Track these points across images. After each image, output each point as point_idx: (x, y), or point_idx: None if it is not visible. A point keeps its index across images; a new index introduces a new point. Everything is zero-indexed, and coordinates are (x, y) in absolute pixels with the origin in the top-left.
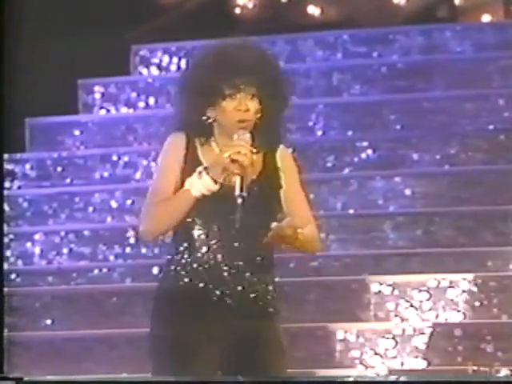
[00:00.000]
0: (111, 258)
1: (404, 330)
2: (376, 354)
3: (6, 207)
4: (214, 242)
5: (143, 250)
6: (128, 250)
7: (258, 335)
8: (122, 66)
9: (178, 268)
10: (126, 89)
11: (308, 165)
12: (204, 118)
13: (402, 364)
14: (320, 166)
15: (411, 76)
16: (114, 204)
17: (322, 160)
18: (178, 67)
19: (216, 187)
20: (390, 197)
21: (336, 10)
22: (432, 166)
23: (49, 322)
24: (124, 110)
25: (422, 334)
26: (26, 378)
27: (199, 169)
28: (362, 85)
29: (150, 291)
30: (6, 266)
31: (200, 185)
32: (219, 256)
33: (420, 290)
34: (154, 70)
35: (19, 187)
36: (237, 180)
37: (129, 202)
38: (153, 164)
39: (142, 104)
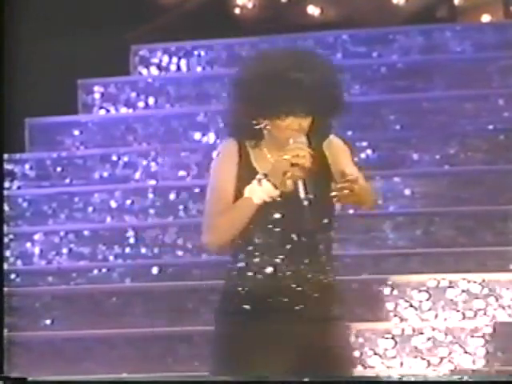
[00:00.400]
0: (111, 258)
1: (403, 330)
2: (376, 354)
3: (6, 207)
4: (276, 247)
5: (143, 250)
6: (127, 250)
7: (324, 337)
8: (122, 66)
9: (241, 274)
10: (126, 89)
11: None
12: (255, 122)
13: (402, 364)
14: None
15: (411, 76)
16: (113, 204)
17: None
18: (178, 67)
19: (277, 193)
20: (390, 197)
21: (336, 10)
22: (432, 166)
23: (48, 322)
24: (124, 110)
25: (421, 333)
26: (29, 379)
27: (259, 176)
28: (362, 85)
29: (150, 291)
30: (5, 266)
31: (261, 192)
32: (283, 261)
33: (420, 290)
34: (154, 70)
35: (19, 187)
36: (299, 183)
37: (128, 202)
38: (153, 164)
39: (141, 104)
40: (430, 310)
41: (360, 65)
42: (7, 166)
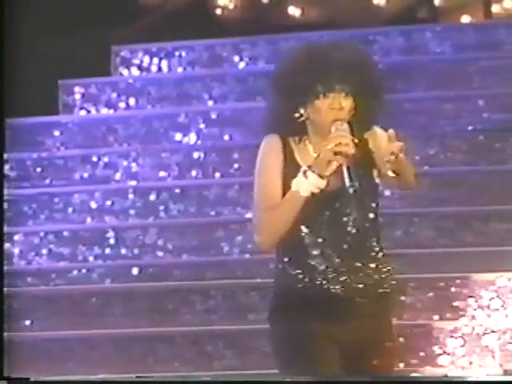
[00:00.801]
0: (91, 258)
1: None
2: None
3: None
4: (325, 242)
5: (123, 251)
6: (108, 250)
7: (376, 333)
8: (103, 66)
9: (292, 271)
10: (107, 89)
11: None
12: (297, 115)
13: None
14: None
15: (391, 77)
16: (93, 205)
17: None
18: (159, 68)
19: (323, 183)
20: None
21: (316, 10)
22: (412, 166)
23: (28, 322)
24: (104, 110)
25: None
26: (32, 379)
27: (303, 168)
28: None
29: (130, 292)
30: None
31: (307, 184)
32: (333, 254)
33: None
34: (135, 71)
35: None
36: (344, 170)
37: (108, 202)
38: (133, 165)
39: (122, 105)
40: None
41: None
42: None
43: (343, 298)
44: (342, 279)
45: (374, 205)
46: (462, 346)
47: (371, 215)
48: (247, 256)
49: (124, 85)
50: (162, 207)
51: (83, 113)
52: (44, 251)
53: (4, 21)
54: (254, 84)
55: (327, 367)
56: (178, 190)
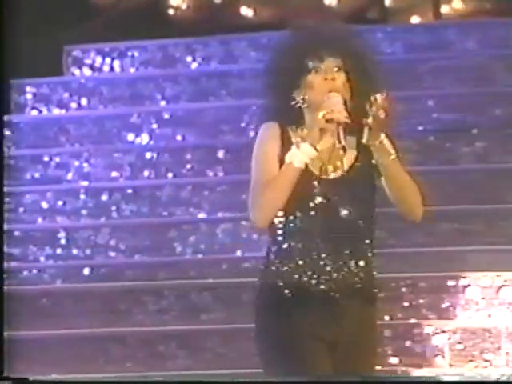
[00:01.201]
0: (42, 258)
1: None
2: None
3: None
4: (312, 231)
5: (74, 251)
6: (59, 251)
7: (360, 328)
8: (55, 66)
9: (278, 264)
10: (59, 89)
11: (241, 166)
12: (293, 103)
13: None
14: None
15: None
16: (45, 205)
17: None
18: (111, 68)
19: (315, 153)
20: None
21: (268, 11)
22: None
23: None
24: (56, 110)
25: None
26: (30, 378)
27: (296, 140)
28: None
29: (81, 292)
30: None
31: (301, 154)
32: (320, 245)
33: None
34: (87, 71)
35: None
36: (335, 134)
37: (60, 202)
38: (85, 165)
39: (74, 105)
40: None
41: None
42: None
43: (329, 296)
44: (329, 275)
45: (369, 201)
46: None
47: (365, 212)
48: (200, 256)
49: (76, 85)
50: (114, 207)
51: (35, 112)
52: None
53: None
54: (207, 84)
55: (316, 367)
56: (130, 191)
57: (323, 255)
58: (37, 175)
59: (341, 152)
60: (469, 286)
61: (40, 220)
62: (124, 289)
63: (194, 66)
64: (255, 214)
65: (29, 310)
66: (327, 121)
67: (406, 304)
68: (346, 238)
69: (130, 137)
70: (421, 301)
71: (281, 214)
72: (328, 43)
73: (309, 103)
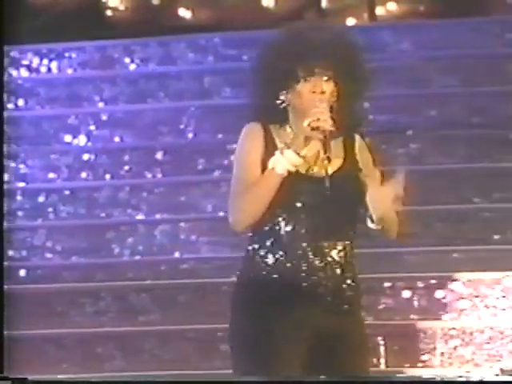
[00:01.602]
0: None
1: None
2: None
3: None
4: (300, 230)
5: (10, 253)
6: None
7: (345, 328)
8: None
9: (263, 259)
10: None
11: (179, 167)
12: (278, 102)
13: None
14: (191, 168)
15: None
16: None
17: (193, 162)
18: (49, 69)
19: (300, 161)
20: None
21: (207, 12)
22: None
23: None
24: None
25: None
26: (29, 378)
27: (281, 145)
28: (233, 88)
29: (18, 294)
30: None
31: (284, 161)
32: (306, 244)
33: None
34: (24, 72)
35: None
36: (319, 144)
37: None
38: (22, 166)
39: (11, 105)
40: None
41: (231, 68)
42: None
43: (310, 292)
44: (310, 271)
45: (351, 203)
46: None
47: (350, 215)
48: (138, 257)
49: (13, 85)
50: (50, 209)
51: None
52: None
53: None
54: (145, 86)
55: (290, 367)
56: (67, 192)
57: (309, 254)
58: None
59: (325, 162)
60: (406, 288)
61: None
62: (61, 290)
63: (133, 67)
64: (235, 217)
65: None
66: (313, 129)
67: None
68: (330, 235)
69: (68, 138)
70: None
71: (266, 215)
72: (320, 54)
73: (294, 109)
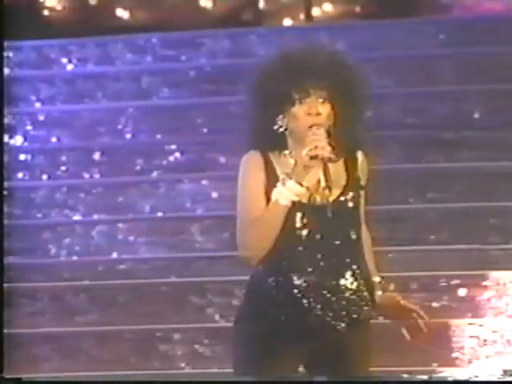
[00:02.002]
0: None
1: None
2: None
3: None
4: (303, 254)
5: None
6: None
7: (344, 342)
8: None
9: (268, 280)
10: None
11: (117, 168)
12: (275, 127)
13: None
14: (129, 169)
15: (218, 80)
16: None
17: (131, 163)
18: None
19: (303, 190)
20: (198, 199)
21: (144, 13)
22: (238, 169)
23: None
24: None
25: None
26: (24, 378)
27: (281, 176)
28: (171, 88)
29: None
30: None
31: (287, 192)
32: (310, 269)
33: None
34: None
35: None
36: (320, 173)
37: None
38: None
39: None
40: None
41: (169, 68)
42: None
43: (316, 317)
44: (317, 297)
45: (354, 226)
46: None
47: (353, 236)
48: (75, 258)
49: None
50: None
51: None
52: None
53: None
54: (83, 86)
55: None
56: (5, 192)
57: (311, 276)
58: None
59: (326, 191)
60: None
61: None
62: None
63: (70, 67)
64: (246, 252)
65: None
66: (311, 158)
67: None
68: (333, 260)
69: (4, 138)
70: None
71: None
72: (314, 75)
73: (291, 132)
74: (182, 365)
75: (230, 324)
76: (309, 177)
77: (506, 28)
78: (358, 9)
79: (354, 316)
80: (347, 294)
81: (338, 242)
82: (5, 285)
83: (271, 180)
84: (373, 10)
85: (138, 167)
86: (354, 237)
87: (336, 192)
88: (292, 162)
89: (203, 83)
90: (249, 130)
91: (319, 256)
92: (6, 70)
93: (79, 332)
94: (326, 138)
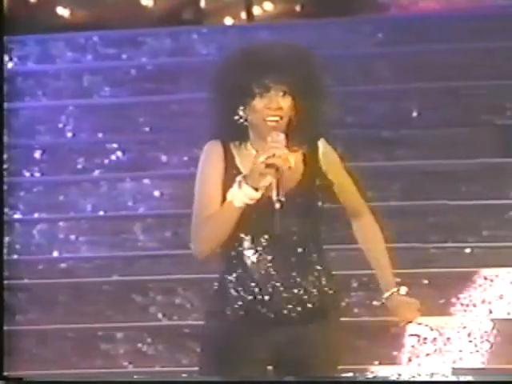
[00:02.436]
0: None
1: None
2: None
3: None
4: (262, 254)
5: None
6: None
7: (309, 340)
8: None
9: (231, 285)
10: None
11: (58, 167)
12: (236, 118)
13: None
14: (70, 167)
15: (160, 78)
16: None
17: (72, 162)
18: None
19: (258, 195)
20: (140, 198)
21: (85, 11)
22: (180, 167)
23: None
24: None
25: None
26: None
27: (238, 178)
28: (112, 87)
29: None
30: None
31: (242, 195)
32: (270, 268)
33: None
34: None
35: None
36: (273, 184)
37: None
38: None
39: None
40: None
41: (110, 66)
42: None
43: (277, 311)
44: (277, 293)
45: (313, 219)
46: None
47: (311, 229)
48: (15, 257)
49: None
50: None
51: None
52: None
53: None
54: (23, 84)
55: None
56: None
57: (274, 278)
58: None
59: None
60: None
61: None
62: None
63: (10, 65)
64: (196, 246)
65: None
66: (267, 166)
67: None
68: (292, 256)
69: None
70: None
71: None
72: (275, 70)
73: (252, 125)
74: (125, 363)
75: (173, 322)
76: (263, 184)
77: (442, 26)
78: (297, 8)
79: (311, 308)
80: (306, 288)
81: (295, 238)
82: None
83: (229, 170)
84: (312, 9)
85: (79, 166)
86: (307, 230)
87: (288, 189)
88: (253, 153)
89: (144, 82)
90: (210, 121)
91: (273, 253)
92: None
93: (19, 331)
94: (285, 144)
